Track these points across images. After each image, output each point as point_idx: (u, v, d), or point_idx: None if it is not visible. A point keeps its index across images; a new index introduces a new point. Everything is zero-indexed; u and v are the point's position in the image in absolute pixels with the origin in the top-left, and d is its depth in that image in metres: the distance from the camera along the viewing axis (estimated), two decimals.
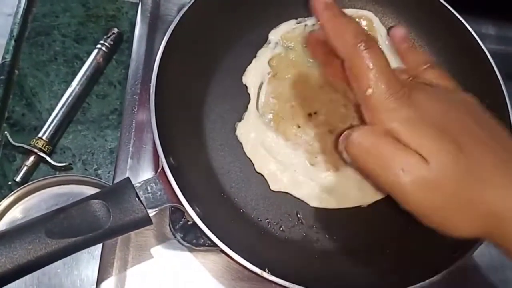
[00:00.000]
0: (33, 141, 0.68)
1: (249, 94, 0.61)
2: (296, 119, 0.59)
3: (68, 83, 0.73)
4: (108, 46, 0.75)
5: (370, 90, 0.43)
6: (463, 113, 0.44)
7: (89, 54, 0.75)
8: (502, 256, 0.43)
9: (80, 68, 0.74)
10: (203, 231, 0.48)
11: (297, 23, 0.65)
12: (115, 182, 0.57)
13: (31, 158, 0.68)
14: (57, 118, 0.71)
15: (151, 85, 0.51)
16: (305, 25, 0.64)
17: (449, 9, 0.63)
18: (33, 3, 0.77)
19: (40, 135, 0.69)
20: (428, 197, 0.41)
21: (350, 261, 0.56)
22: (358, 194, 0.58)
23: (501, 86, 0.59)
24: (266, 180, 0.57)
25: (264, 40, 0.64)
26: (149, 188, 0.49)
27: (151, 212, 0.48)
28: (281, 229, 0.56)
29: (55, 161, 0.69)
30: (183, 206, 0.49)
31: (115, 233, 0.47)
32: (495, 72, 0.60)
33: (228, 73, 0.61)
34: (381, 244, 0.57)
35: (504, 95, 0.59)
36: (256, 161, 0.58)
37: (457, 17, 0.62)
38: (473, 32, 0.61)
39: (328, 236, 0.57)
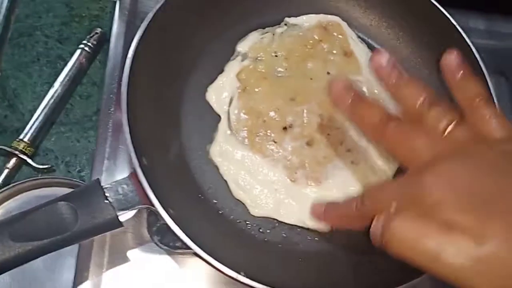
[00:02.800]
0: (14, 143, 0.67)
1: (217, 112, 0.59)
2: (271, 134, 0.57)
3: (51, 84, 0.72)
4: (91, 46, 0.74)
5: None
6: (503, 177, 0.38)
7: (72, 54, 0.74)
8: None
9: (63, 69, 0.73)
10: (176, 233, 0.47)
11: (265, 33, 0.63)
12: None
13: (13, 161, 0.67)
14: (39, 120, 0.70)
15: (122, 83, 0.50)
16: (273, 34, 0.62)
17: (432, 3, 0.61)
18: (16, 4, 0.76)
19: (21, 137, 0.68)
20: (485, 275, 0.36)
21: (333, 263, 0.55)
22: None
23: (486, 81, 0.57)
24: (245, 206, 0.55)
25: (231, 53, 0.62)
26: (120, 189, 0.48)
27: (121, 214, 0.47)
28: (260, 230, 0.55)
29: (38, 163, 0.68)
30: (155, 208, 0.47)
31: (82, 236, 0.46)
32: (480, 67, 0.58)
33: (197, 88, 0.60)
34: (364, 247, 0.55)
35: (489, 90, 0.57)
36: (232, 185, 0.56)
37: (441, 11, 0.61)
38: (457, 26, 0.59)
39: (310, 238, 0.55)
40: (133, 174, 0.48)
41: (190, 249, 0.47)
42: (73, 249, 0.56)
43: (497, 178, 0.38)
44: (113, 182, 0.48)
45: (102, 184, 0.48)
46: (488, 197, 0.37)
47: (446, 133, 0.43)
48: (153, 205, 0.48)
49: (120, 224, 0.47)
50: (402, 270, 0.51)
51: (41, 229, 0.44)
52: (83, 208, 0.45)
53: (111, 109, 0.59)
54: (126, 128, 0.49)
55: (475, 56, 0.59)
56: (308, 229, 0.56)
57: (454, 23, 0.60)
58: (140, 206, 0.48)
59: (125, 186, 0.48)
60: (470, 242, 0.36)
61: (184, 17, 0.58)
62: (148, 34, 0.54)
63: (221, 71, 0.60)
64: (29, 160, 0.67)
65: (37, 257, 0.44)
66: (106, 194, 0.47)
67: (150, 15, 0.54)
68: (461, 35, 0.60)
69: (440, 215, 0.37)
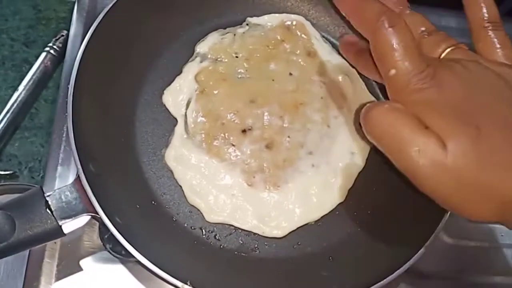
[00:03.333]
0: None
1: (174, 116, 0.57)
2: (230, 137, 0.55)
3: (15, 88, 0.71)
4: (57, 49, 0.73)
5: (393, 71, 0.41)
6: (492, 94, 0.41)
7: (38, 58, 0.73)
8: None
9: (28, 72, 0.72)
10: (119, 241, 0.45)
11: (226, 33, 0.61)
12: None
13: None
14: (1, 125, 0.68)
15: (69, 86, 0.48)
16: (234, 35, 0.61)
17: None
18: None
19: None
20: (444, 181, 0.39)
21: (292, 269, 0.53)
22: (303, 211, 0.54)
23: None
24: (200, 212, 0.53)
25: (190, 54, 0.60)
26: (63, 197, 0.46)
27: (64, 223, 0.45)
28: (216, 237, 0.53)
29: (1, 169, 0.67)
30: (99, 215, 0.45)
31: (21, 246, 0.44)
32: None
33: (153, 91, 0.58)
34: (326, 254, 0.54)
35: None
36: (187, 191, 0.54)
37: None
38: None
39: (267, 244, 0.53)
40: (78, 181, 0.47)
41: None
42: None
43: (489, 96, 0.40)
44: (56, 189, 0.47)
45: (44, 191, 0.46)
46: (473, 111, 0.39)
47: (445, 53, 0.45)
48: (97, 213, 0.46)
49: (62, 233, 0.46)
50: (365, 274, 0.50)
51: None
52: (22, 217, 0.44)
53: (66, 113, 0.57)
54: (70, 133, 0.48)
55: None
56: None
57: None
58: (84, 214, 0.47)
59: (68, 193, 0.47)
60: (437, 146, 0.38)
61: (139, 17, 0.56)
62: (99, 35, 0.53)
63: (179, 72, 0.58)
64: None
65: None
66: (48, 202, 0.45)
67: (101, 16, 0.53)
68: None
69: (423, 113, 0.39)
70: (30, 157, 0.70)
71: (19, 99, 0.70)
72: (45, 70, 0.72)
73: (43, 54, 0.73)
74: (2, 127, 0.68)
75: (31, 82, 0.71)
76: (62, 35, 0.74)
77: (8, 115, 0.69)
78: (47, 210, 0.45)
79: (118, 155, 0.53)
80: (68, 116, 0.48)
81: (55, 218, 0.45)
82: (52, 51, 0.73)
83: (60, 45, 0.73)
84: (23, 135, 0.70)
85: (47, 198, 0.46)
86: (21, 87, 0.71)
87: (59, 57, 0.73)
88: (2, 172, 0.66)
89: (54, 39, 0.74)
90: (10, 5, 0.77)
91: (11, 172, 0.67)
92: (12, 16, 0.77)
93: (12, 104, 0.70)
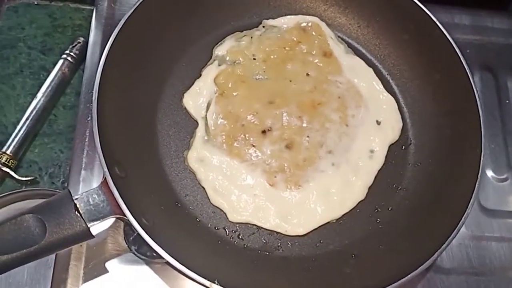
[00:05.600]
0: None
1: (194, 118, 0.58)
2: (250, 138, 0.56)
3: (34, 96, 0.72)
4: (74, 56, 0.74)
5: None
6: None
7: (55, 65, 0.74)
8: None
9: (46, 79, 0.72)
10: (148, 242, 0.46)
11: (243, 36, 0.62)
12: None
13: None
14: (21, 132, 0.69)
15: (94, 91, 0.49)
16: (251, 37, 0.61)
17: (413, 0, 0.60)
18: None
19: (4, 149, 0.67)
20: None
21: (314, 267, 0.53)
22: (325, 209, 0.55)
23: (469, 77, 0.56)
24: (223, 212, 0.54)
25: (208, 57, 0.61)
26: (90, 199, 0.47)
27: (93, 225, 0.46)
28: (239, 237, 0.54)
29: (21, 176, 0.67)
30: (127, 217, 0.46)
31: (52, 249, 0.45)
32: (462, 63, 0.56)
33: (173, 94, 0.59)
34: (348, 251, 0.55)
35: (472, 88, 0.56)
36: (210, 191, 0.55)
37: (421, 8, 0.59)
38: (437, 22, 0.58)
39: (291, 243, 0.54)
40: (104, 184, 0.48)
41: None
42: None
43: None
44: (84, 192, 0.47)
45: (72, 194, 0.47)
46: None
47: None
48: (124, 215, 0.47)
49: (91, 235, 0.46)
50: (387, 271, 0.50)
51: (8, 242, 0.43)
52: (52, 220, 0.45)
53: (88, 118, 0.59)
54: (96, 138, 0.49)
55: (456, 52, 0.57)
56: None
57: (435, 19, 0.59)
58: (112, 217, 0.47)
59: (95, 196, 0.47)
60: None
61: (158, 24, 0.57)
62: (120, 42, 0.53)
63: (198, 76, 0.59)
64: (12, 173, 0.67)
65: (4, 272, 0.43)
66: (77, 205, 0.46)
67: (121, 23, 0.54)
68: (442, 31, 0.58)
69: None
70: (50, 162, 0.70)
71: (38, 106, 0.71)
72: (63, 77, 0.73)
73: (61, 61, 0.73)
74: (22, 134, 0.69)
75: (49, 89, 0.72)
76: (79, 42, 0.74)
77: (28, 122, 0.70)
78: (76, 212, 0.46)
79: (141, 158, 0.54)
80: (94, 121, 0.49)
81: (84, 220, 0.45)
82: (69, 58, 0.73)
83: (77, 52, 0.74)
84: (43, 141, 0.71)
85: (76, 201, 0.46)
86: (39, 94, 0.71)
87: (76, 63, 0.74)
88: (23, 178, 0.67)
89: (71, 46, 0.74)
90: (26, 14, 0.78)
91: (32, 178, 0.68)
92: (28, 25, 0.77)
93: (32, 111, 0.70)
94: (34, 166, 0.70)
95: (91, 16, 0.77)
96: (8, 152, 0.67)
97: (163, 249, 0.46)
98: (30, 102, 0.71)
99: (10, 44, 0.76)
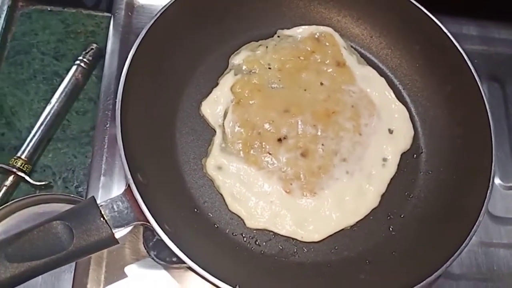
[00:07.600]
0: (12, 161, 0.67)
1: (212, 126, 0.59)
2: (266, 146, 0.57)
3: (47, 101, 0.73)
4: (87, 62, 0.75)
5: None
6: None
7: (68, 71, 0.75)
8: None
9: (59, 85, 0.73)
10: (171, 249, 0.47)
11: (259, 45, 0.63)
12: None
13: (10, 178, 0.68)
14: (36, 137, 0.70)
15: (117, 101, 0.50)
16: (267, 47, 0.63)
17: (424, 12, 0.61)
18: (12, 23, 0.77)
19: (19, 154, 0.68)
20: None
21: (330, 274, 0.55)
22: (339, 216, 0.56)
23: (479, 88, 0.57)
24: (241, 218, 0.56)
25: (225, 66, 0.62)
26: (115, 206, 0.48)
27: (117, 231, 0.47)
28: (256, 243, 0.55)
29: (36, 180, 0.68)
30: (150, 224, 0.47)
31: (79, 255, 0.46)
32: (472, 73, 0.58)
33: (191, 103, 0.61)
34: (363, 258, 0.56)
35: (483, 98, 0.57)
36: (228, 198, 0.56)
37: (432, 19, 0.61)
38: (449, 34, 0.59)
39: (306, 249, 0.55)
40: (128, 191, 0.49)
41: (186, 264, 0.47)
42: (72, 264, 0.56)
43: None
44: (108, 199, 0.48)
45: (97, 201, 0.48)
46: None
47: None
48: (148, 222, 0.48)
49: (116, 241, 0.47)
50: (401, 277, 0.51)
51: (37, 249, 0.44)
52: (79, 226, 0.46)
53: (107, 125, 0.60)
54: (120, 145, 0.50)
55: (466, 62, 0.59)
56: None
57: (446, 30, 0.60)
58: (135, 223, 0.48)
59: (119, 203, 0.48)
60: None
61: (177, 34, 0.58)
62: (141, 52, 0.54)
63: (215, 85, 0.60)
64: (27, 177, 0.67)
65: (33, 277, 0.44)
66: (102, 212, 0.47)
67: (143, 33, 0.55)
68: (453, 42, 0.60)
69: None
70: (63, 167, 0.71)
71: (52, 111, 0.71)
72: (76, 83, 0.74)
73: (74, 67, 0.74)
74: (36, 139, 0.70)
75: (63, 94, 0.72)
76: (92, 48, 0.75)
77: (42, 127, 0.70)
78: (102, 219, 0.47)
79: (161, 166, 0.55)
80: (117, 130, 0.50)
81: (109, 226, 0.46)
82: (82, 64, 0.74)
83: (90, 58, 0.75)
84: (56, 146, 0.72)
85: (101, 208, 0.47)
86: (53, 100, 0.72)
87: (89, 69, 0.75)
88: (38, 183, 0.68)
89: (84, 52, 0.75)
90: (39, 20, 0.79)
91: (46, 182, 0.68)
92: (42, 31, 0.78)
93: (46, 117, 0.71)
94: (48, 171, 0.70)
95: (104, 22, 0.78)
96: (22, 157, 0.68)
97: (185, 255, 0.47)
98: (44, 108, 0.72)
99: (24, 50, 0.76)
